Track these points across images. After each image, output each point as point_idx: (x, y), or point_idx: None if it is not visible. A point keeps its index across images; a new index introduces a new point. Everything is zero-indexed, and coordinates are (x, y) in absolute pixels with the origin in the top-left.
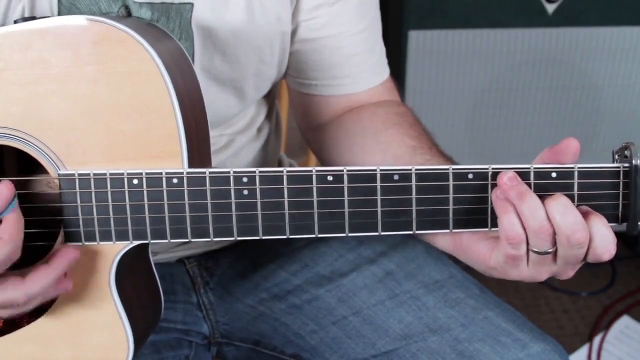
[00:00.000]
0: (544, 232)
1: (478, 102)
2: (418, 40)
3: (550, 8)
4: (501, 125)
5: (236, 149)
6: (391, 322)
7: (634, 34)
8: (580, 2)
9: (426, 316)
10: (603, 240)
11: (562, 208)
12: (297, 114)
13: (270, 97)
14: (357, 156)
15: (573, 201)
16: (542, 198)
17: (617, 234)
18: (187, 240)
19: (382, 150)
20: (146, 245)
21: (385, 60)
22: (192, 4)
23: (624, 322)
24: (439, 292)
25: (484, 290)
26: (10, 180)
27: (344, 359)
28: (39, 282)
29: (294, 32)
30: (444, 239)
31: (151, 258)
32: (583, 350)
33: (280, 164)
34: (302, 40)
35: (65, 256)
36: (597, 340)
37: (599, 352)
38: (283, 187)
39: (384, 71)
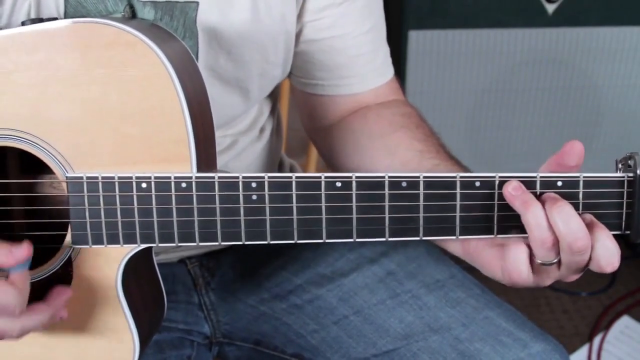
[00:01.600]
0: (548, 241)
1: (478, 102)
2: (418, 40)
3: (550, 8)
4: (501, 125)
5: (239, 149)
6: (392, 321)
7: (634, 34)
8: (580, 2)
9: (427, 316)
10: (607, 252)
11: (565, 216)
12: (303, 115)
13: (273, 97)
14: (365, 159)
15: (577, 209)
16: (545, 204)
17: (619, 236)
18: (194, 243)
19: (390, 153)
20: (151, 247)
21: (389, 60)
22: (197, 3)
23: (624, 322)
24: (440, 291)
25: (485, 290)
26: (18, 182)
27: (345, 359)
28: (34, 319)
29: (299, 33)
30: (454, 245)
31: (154, 259)
32: (583, 350)
33: (281, 165)
34: (308, 41)
35: (60, 296)
36: (597, 340)
37: (599, 352)
38: (292, 193)
39: (389, 71)
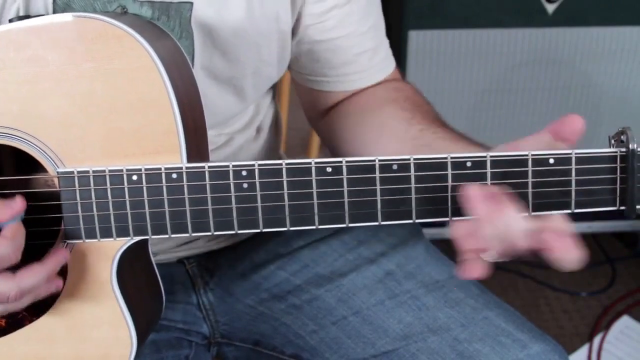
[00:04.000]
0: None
1: (478, 102)
2: (418, 40)
3: (550, 8)
4: (501, 125)
5: (235, 147)
6: (391, 322)
7: (634, 34)
8: (580, 2)
9: (426, 316)
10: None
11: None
12: (305, 107)
13: (270, 96)
14: (358, 135)
15: (570, 186)
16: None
17: (617, 235)
18: (187, 235)
19: (379, 126)
20: (146, 241)
21: (390, 53)
22: (191, 3)
23: (624, 322)
24: (439, 292)
25: (484, 290)
26: (10, 179)
27: (344, 359)
28: (30, 278)
29: (303, 35)
30: None
31: (151, 255)
32: (583, 350)
33: None
34: (313, 42)
35: (56, 256)
36: (597, 340)
37: (599, 352)
38: (282, 180)
39: (390, 64)
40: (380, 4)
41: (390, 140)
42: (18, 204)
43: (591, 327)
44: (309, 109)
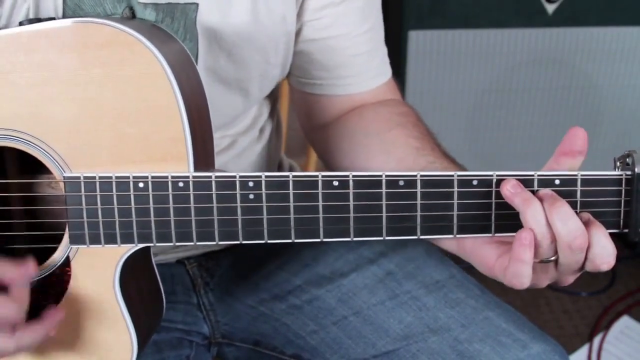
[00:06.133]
0: (547, 238)
1: (478, 102)
2: (418, 40)
3: (550, 8)
4: (501, 125)
5: (239, 150)
6: (391, 322)
7: (634, 34)
8: (580, 2)
9: (426, 316)
10: (602, 250)
11: (563, 215)
12: (300, 115)
13: (272, 98)
14: (360, 156)
15: (575, 208)
16: (543, 202)
17: (617, 236)
18: (191, 243)
19: (386, 151)
20: (149, 247)
21: (387, 61)
22: (197, 4)
23: (624, 322)
24: (439, 292)
25: (484, 291)
26: (16, 182)
27: (345, 359)
28: (29, 337)
29: (298, 32)
30: (448, 240)
31: (153, 259)
32: (583, 350)
33: (280, 165)
34: (307, 40)
35: (54, 316)
36: (597, 340)
37: (599, 352)
38: (289, 192)
39: (387, 72)
40: (380, 9)
41: (399, 167)
42: (30, 269)
43: (591, 327)
44: (305, 119)
